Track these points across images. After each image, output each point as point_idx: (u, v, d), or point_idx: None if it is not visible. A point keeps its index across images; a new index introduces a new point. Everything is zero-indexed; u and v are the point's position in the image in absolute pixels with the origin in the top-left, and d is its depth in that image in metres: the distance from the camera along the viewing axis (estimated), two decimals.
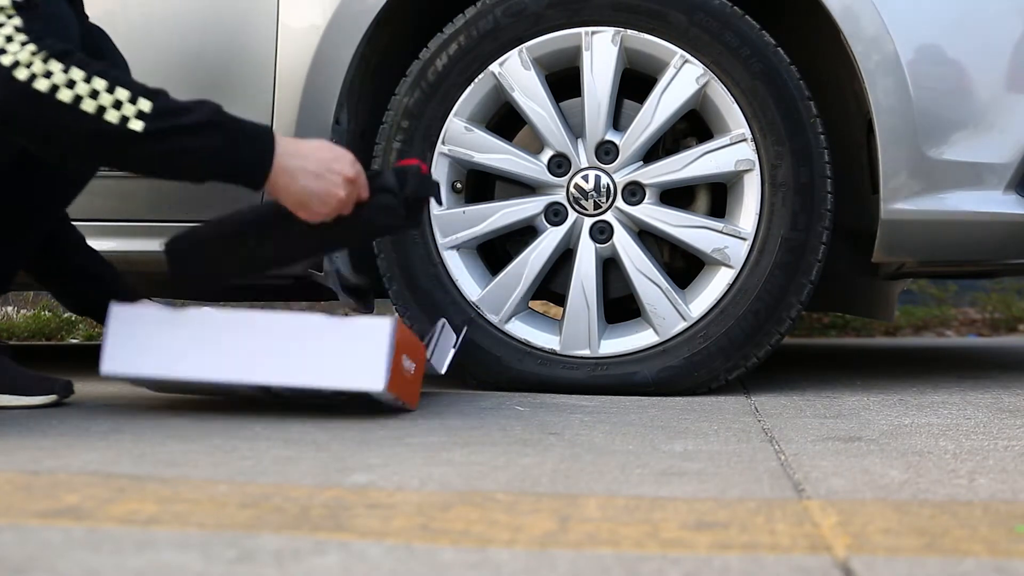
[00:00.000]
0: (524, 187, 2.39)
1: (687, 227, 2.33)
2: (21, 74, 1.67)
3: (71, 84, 1.69)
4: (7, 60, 1.67)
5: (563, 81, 2.40)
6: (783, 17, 2.45)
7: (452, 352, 2.17)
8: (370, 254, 2.41)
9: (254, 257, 1.93)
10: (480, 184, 2.52)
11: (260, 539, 1.04)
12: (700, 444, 1.65)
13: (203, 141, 1.75)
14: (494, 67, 2.34)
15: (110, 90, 1.70)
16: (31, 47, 1.69)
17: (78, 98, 1.69)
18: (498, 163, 2.36)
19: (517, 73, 2.34)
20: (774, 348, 2.31)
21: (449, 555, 0.99)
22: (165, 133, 1.72)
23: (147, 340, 1.86)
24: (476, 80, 2.35)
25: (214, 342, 1.85)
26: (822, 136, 2.28)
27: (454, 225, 2.36)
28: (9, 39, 1.69)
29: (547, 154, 2.35)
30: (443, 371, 2.14)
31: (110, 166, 1.85)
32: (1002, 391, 2.41)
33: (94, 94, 1.69)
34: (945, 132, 2.26)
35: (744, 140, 2.30)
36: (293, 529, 1.08)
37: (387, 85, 2.42)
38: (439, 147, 2.36)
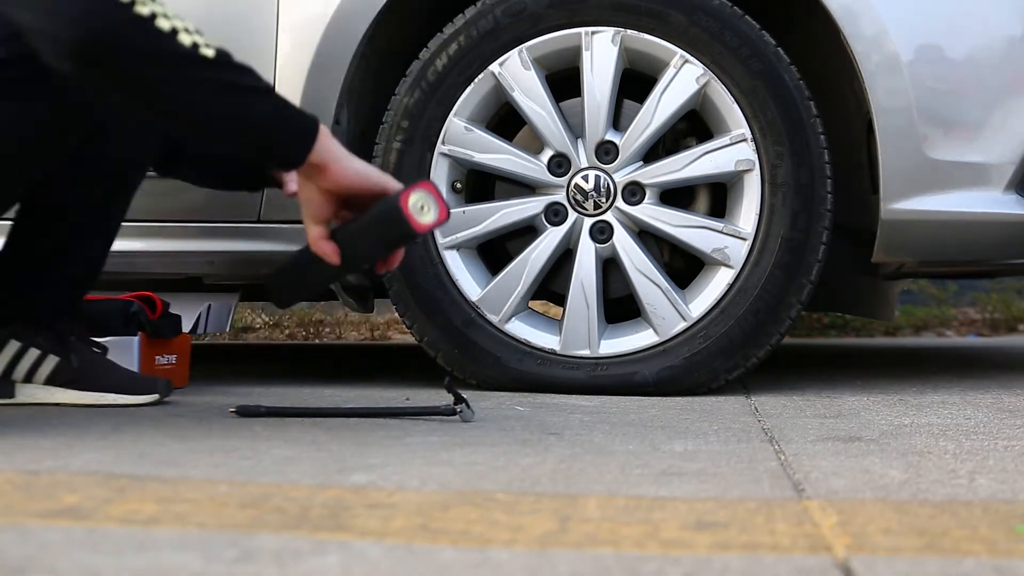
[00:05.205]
0: (524, 187, 2.39)
1: (687, 227, 2.33)
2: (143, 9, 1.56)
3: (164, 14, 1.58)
4: None
5: (563, 81, 2.40)
6: (783, 17, 2.45)
7: (231, 311, 2.67)
8: None
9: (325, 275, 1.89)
10: (480, 184, 2.52)
11: (260, 539, 1.04)
12: (700, 444, 1.65)
13: (257, 96, 1.63)
14: (494, 67, 2.34)
15: (185, 26, 1.60)
16: None
17: (154, 16, 1.56)
18: (498, 163, 2.36)
19: (517, 73, 2.33)
20: (774, 348, 2.31)
21: (449, 555, 0.99)
22: (228, 67, 1.61)
23: None
24: (476, 80, 2.35)
25: None
26: (822, 136, 2.28)
27: (454, 225, 2.36)
28: None
29: (547, 154, 2.35)
30: (227, 329, 2.62)
31: (164, 113, 1.66)
32: (1002, 391, 2.40)
33: (168, 16, 1.57)
34: (945, 132, 2.26)
35: (744, 140, 2.29)
36: (293, 529, 1.08)
37: (387, 85, 2.42)
38: (439, 147, 2.36)
